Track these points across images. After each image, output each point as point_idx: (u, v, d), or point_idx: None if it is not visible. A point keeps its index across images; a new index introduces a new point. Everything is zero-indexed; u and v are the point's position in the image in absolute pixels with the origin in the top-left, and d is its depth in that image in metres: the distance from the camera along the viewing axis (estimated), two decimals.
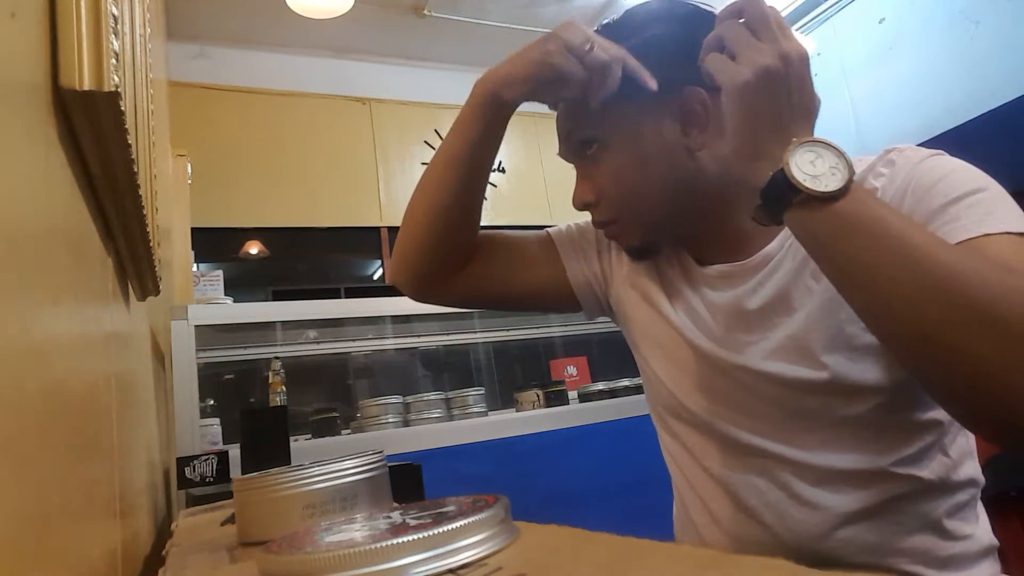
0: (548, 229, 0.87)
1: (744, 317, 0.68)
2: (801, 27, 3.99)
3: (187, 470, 1.35)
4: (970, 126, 3.12)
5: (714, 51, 0.58)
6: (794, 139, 0.52)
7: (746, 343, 0.67)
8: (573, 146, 0.73)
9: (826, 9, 3.90)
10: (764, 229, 0.68)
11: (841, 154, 0.51)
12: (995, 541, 0.67)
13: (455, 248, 0.79)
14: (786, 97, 0.54)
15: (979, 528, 0.66)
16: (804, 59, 0.54)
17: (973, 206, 0.56)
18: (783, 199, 0.52)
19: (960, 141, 3.11)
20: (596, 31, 0.69)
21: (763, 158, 0.54)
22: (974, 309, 0.46)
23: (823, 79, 3.97)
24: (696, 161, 0.67)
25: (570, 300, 0.84)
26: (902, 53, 3.50)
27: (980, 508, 0.68)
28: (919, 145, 0.65)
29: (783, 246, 0.67)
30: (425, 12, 3.85)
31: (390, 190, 4.19)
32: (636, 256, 0.76)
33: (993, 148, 2.96)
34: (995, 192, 0.57)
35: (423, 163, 4.33)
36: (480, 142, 0.74)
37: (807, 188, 0.50)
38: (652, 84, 0.65)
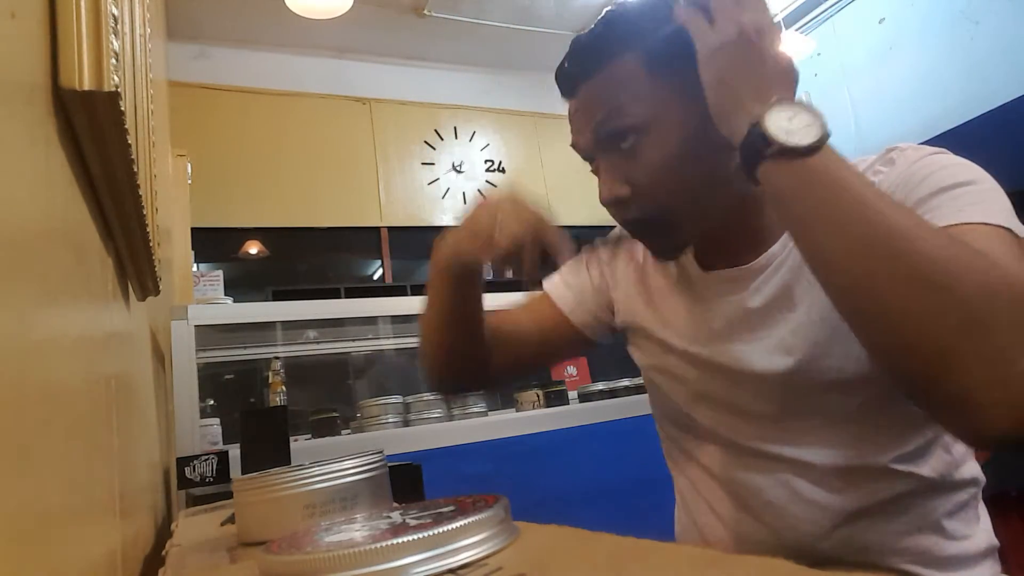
0: (545, 288, 0.88)
1: (746, 317, 0.68)
2: (801, 27, 3.99)
3: (187, 470, 1.35)
4: (970, 126, 3.12)
5: (693, 11, 0.60)
6: (774, 97, 0.54)
7: (748, 342, 0.67)
8: (603, 137, 0.67)
9: (826, 9, 3.90)
10: (771, 230, 0.68)
11: (817, 115, 0.53)
12: (995, 542, 0.67)
13: (471, 358, 0.81)
14: (759, 62, 0.56)
15: (980, 528, 0.66)
16: (774, 31, 0.58)
17: (958, 196, 0.56)
18: (759, 152, 0.53)
19: (960, 141, 3.11)
20: (602, 19, 0.67)
21: (740, 112, 0.56)
22: (914, 266, 0.45)
23: (823, 79, 3.97)
24: (735, 155, 0.66)
25: (585, 342, 0.86)
26: (902, 53, 3.50)
27: (982, 508, 0.68)
28: (920, 145, 0.64)
29: (786, 246, 0.67)
30: (425, 12, 3.85)
31: (390, 190, 4.19)
32: (664, 255, 0.73)
33: (993, 148, 2.96)
34: (986, 186, 0.57)
35: (423, 163, 4.34)
36: (457, 299, 0.74)
37: (779, 140, 0.52)
38: (566, 258, 0.67)
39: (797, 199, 0.52)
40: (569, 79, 0.69)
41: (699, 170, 0.65)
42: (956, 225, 0.53)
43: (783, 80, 0.57)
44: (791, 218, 0.53)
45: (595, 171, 0.70)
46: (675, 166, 0.64)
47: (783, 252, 0.67)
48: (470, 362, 0.80)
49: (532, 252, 0.65)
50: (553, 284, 0.86)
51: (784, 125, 0.52)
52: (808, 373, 0.63)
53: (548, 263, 0.67)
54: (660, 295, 0.77)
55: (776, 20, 3.36)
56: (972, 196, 0.55)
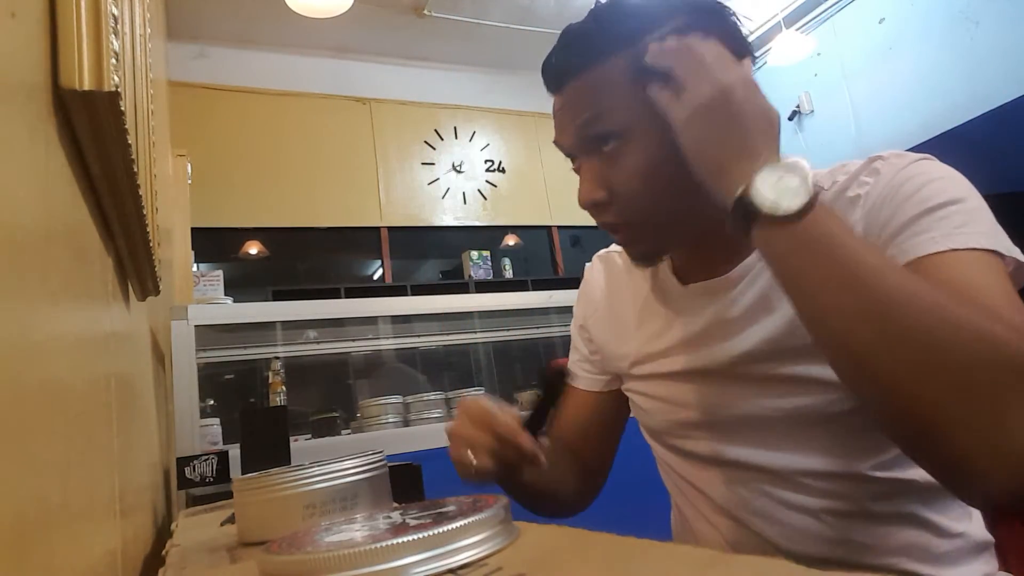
0: (570, 382, 0.88)
1: (725, 325, 0.68)
2: (801, 27, 3.99)
3: (187, 470, 1.35)
4: (970, 126, 3.13)
5: (656, 81, 0.59)
6: (760, 159, 0.53)
7: (724, 348, 0.67)
8: (586, 139, 0.65)
9: (826, 9, 3.90)
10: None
11: (804, 173, 0.51)
12: (990, 537, 0.67)
13: (569, 496, 0.83)
14: (736, 122, 0.55)
15: (972, 525, 0.66)
16: (748, 84, 0.57)
17: (945, 218, 0.55)
18: (748, 219, 0.53)
19: (960, 141, 3.11)
20: (593, 15, 0.66)
21: (726, 177, 0.54)
22: (907, 331, 0.45)
23: (823, 79, 3.97)
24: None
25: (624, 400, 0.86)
26: (902, 53, 3.50)
27: None
28: (920, 145, 0.64)
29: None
30: (425, 12, 3.85)
31: (390, 190, 4.20)
32: (642, 262, 0.72)
33: (993, 148, 2.97)
34: (972, 204, 0.57)
35: (423, 163, 4.34)
36: (516, 487, 0.73)
37: (766, 211, 0.51)
38: (541, 462, 0.65)
39: (789, 263, 0.52)
40: (555, 75, 0.67)
41: (678, 179, 0.63)
42: (944, 252, 0.53)
43: (765, 133, 0.55)
44: (785, 280, 0.53)
45: (576, 170, 0.69)
46: (654, 174, 0.63)
47: (759, 262, 0.67)
48: (574, 497, 0.84)
49: (486, 445, 0.64)
50: (572, 371, 0.88)
51: (771, 193, 0.51)
52: (786, 377, 0.63)
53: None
54: (635, 320, 0.78)
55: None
56: (959, 217, 0.55)
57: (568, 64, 0.66)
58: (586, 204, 0.67)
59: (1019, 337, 0.44)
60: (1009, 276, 0.54)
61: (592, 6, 0.68)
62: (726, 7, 0.67)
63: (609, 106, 0.63)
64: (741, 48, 0.66)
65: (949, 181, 0.59)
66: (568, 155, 0.70)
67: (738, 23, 0.67)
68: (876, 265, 0.48)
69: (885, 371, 0.46)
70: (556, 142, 0.70)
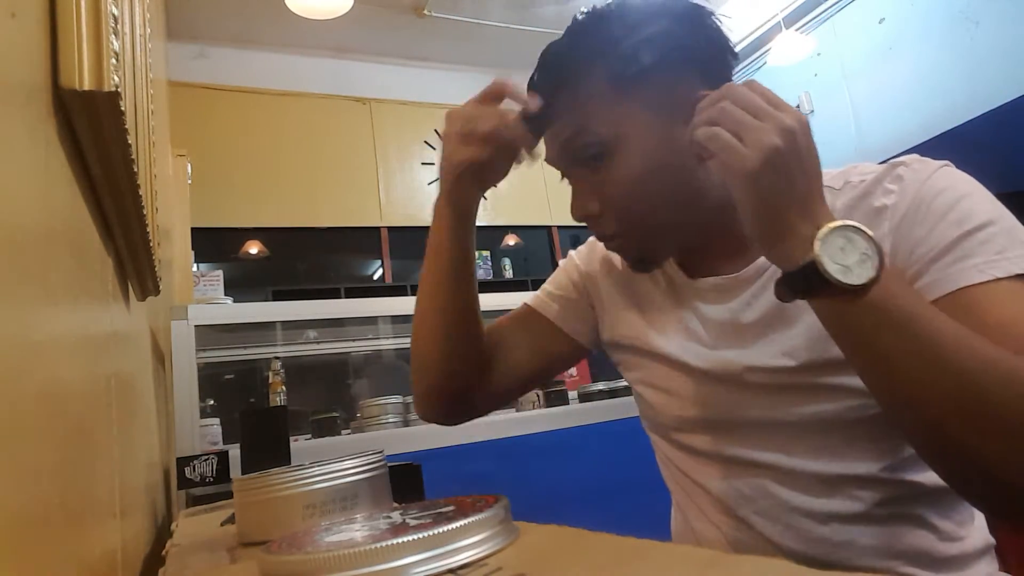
0: (526, 302, 0.86)
1: (739, 330, 0.67)
2: (801, 27, 3.99)
3: (187, 470, 1.35)
4: (970, 126, 3.12)
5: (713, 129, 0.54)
6: (827, 225, 0.49)
7: (740, 354, 0.67)
8: (573, 154, 0.66)
9: (826, 9, 3.90)
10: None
11: (870, 238, 0.49)
12: (992, 540, 0.67)
13: (471, 363, 0.78)
14: (799, 170, 0.51)
15: (975, 528, 0.66)
16: (805, 125, 0.52)
17: (986, 242, 0.56)
18: (813, 289, 0.50)
19: (960, 141, 3.11)
20: (569, 30, 0.67)
21: (790, 238, 0.51)
22: (984, 409, 0.47)
23: (823, 79, 3.97)
24: (707, 170, 0.64)
25: (579, 350, 0.84)
26: (902, 53, 3.50)
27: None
28: (920, 145, 0.64)
29: None
30: (425, 12, 3.85)
31: (390, 190, 4.20)
32: (639, 267, 0.72)
33: (993, 148, 2.97)
34: (1007, 223, 0.57)
35: (423, 163, 4.34)
36: (458, 253, 0.72)
37: (840, 282, 0.48)
38: (534, 104, 0.64)
39: (865, 341, 0.50)
40: (538, 91, 0.67)
41: (669, 185, 0.64)
42: (989, 283, 0.54)
43: (818, 179, 0.53)
44: (860, 357, 0.52)
45: (569, 180, 0.70)
46: (644, 182, 0.63)
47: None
48: (469, 368, 0.77)
49: (515, 130, 0.64)
50: (537, 297, 0.85)
51: (839, 260, 0.48)
52: (802, 386, 0.63)
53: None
54: (647, 303, 0.76)
55: (777, 21, 3.27)
56: (1000, 240, 0.56)
57: (547, 82, 0.66)
58: (579, 218, 0.68)
59: None
60: None
61: (552, 45, 0.68)
62: (705, 10, 0.66)
63: (590, 120, 0.64)
64: (723, 51, 0.66)
65: (979, 196, 0.59)
66: (556, 167, 0.70)
67: (719, 24, 0.66)
68: (953, 336, 0.48)
69: (969, 444, 0.48)
70: (546, 159, 0.71)
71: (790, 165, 0.51)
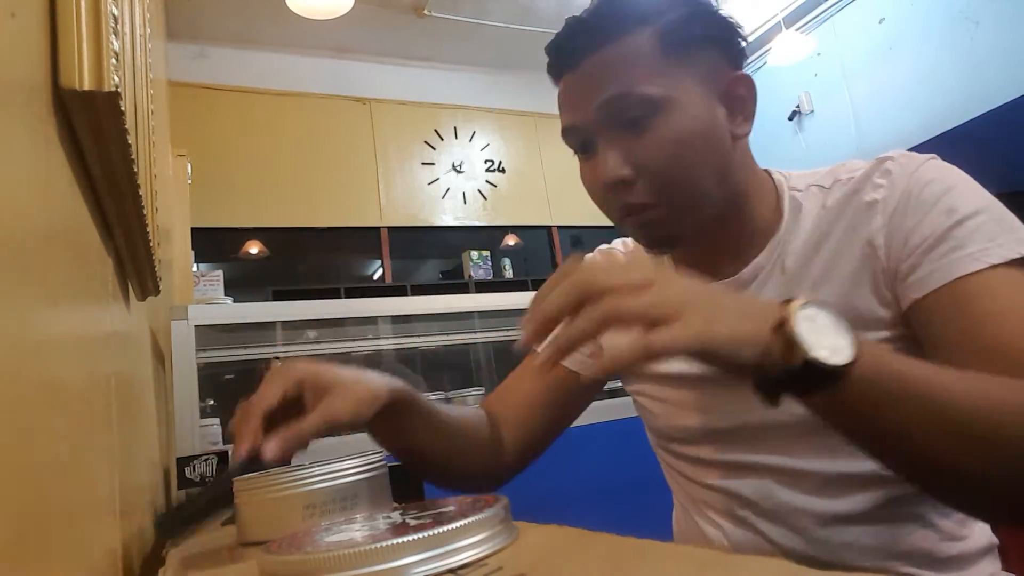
0: (534, 348, 0.80)
1: None
2: (801, 27, 3.99)
3: (187, 470, 1.35)
4: (970, 126, 3.12)
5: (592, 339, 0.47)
6: (793, 306, 0.43)
7: None
8: (609, 113, 0.62)
9: (826, 9, 3.90)
10: (754, 235, 0.68)
11: (828, 308, 0.44)
12: (995, 539, 0.67)
13: (486, 458, 0.75)
14: (713, 295, 0.46)
15: (977, 527, 0.66)
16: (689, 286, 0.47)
17: (977, 230, 0.56)
18: (807, 384, 0.44)
19: (960, 141, 3.11)
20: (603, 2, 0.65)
21: (767, 348, 0.44)
22: (998, 449, 0.45)
23: (823, 79, 3.97)
24: (735, 151, 0.65)
25: (598, 386, 0.84)
26: (902, 53, 3.50)
27: None
28: (920, 145, 0.65)
29: (772, 255, 0.67)
30: (425, 12, 3.85)
31: (390, 190, 4.20)
32: (659, 246, 0.69)
33: (993, 148, 2.97)
34: (995, 211, 0.57)
35: (423, 163, 4.34)
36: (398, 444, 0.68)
37: (835, 366, 0.42)
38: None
39: (865, 420, 0.46)
40: (570, 52, 0.64)
41: (705, 158, 0.63)
42: (985, 270, 0.54)
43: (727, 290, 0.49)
44: (861, 437, 0.48)
45: (585, 157, 0.67)
46: (687, 147, 0.62)
47: (768, 263, 0.67)
48: (477, 462, 0.75)
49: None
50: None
51: (822, 344, 0.43)
52: None
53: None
54: None
55: (777, 20, 3.28)
56: (991, 227, 0.56)
57: (588, 39, 0.63)
58: (610, 182, 0.63)
59: None
60: None
61: (590, 6, 0.67)
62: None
63: (639, 77, 0.61)
64: (742, 53, 0.68)
65: (968, 186, 0.59)
66: (580, 140, 0.67)
67: (738, 26, 0.68)
68: (946, 389, 0.46)
69: (999, 489, 0.46)
70: (568, 126, 0.66)
71: (709, 300, 0.45)
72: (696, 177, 0.63)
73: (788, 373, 0.43)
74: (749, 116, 0.66)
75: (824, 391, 0.44)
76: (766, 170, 0.72)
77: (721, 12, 0.66)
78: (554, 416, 0.80)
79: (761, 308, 0.45)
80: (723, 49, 0.65)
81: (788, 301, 0.44)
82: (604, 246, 0.87)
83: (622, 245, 0.84)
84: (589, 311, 0.46)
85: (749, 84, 0.65)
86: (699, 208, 0.65)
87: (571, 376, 0.81)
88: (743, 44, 0.68)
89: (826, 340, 0.43)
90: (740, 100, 0.65)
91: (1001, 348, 0.52)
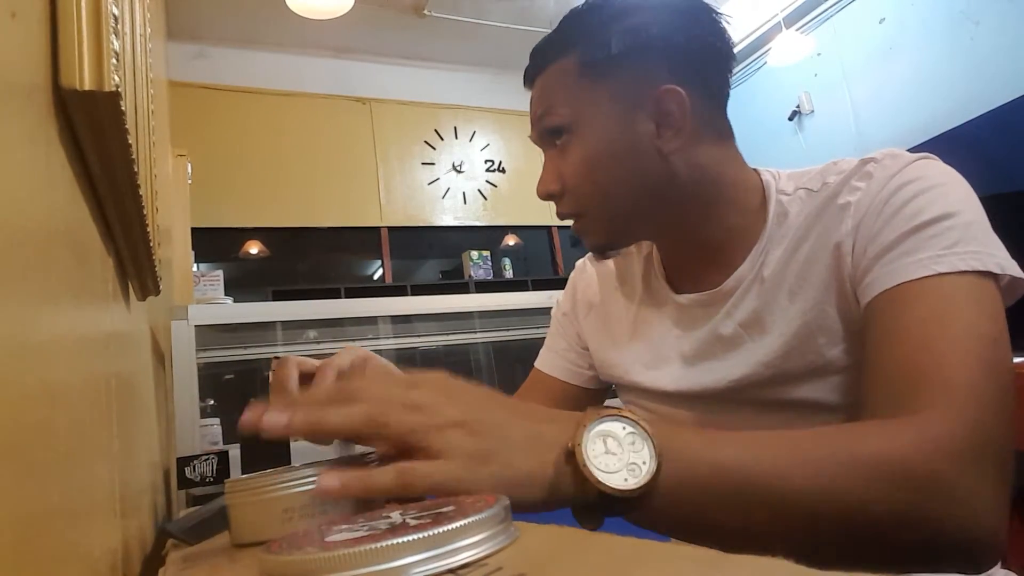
0: (536, 366, 0.88)
1: (717, 342, 0.68)
2: (801, 27, 3.99)
3: (187, 470, 1.35)
4: (970, 126, 3.12)
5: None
6: (581, 432, 0.41)
7: (721, 374, 0.67)
8: (542, 133, 0.70)
9: (826, 9, 3.90)
10: (736, 243, 0.67)
11: (622, 417, 0.42)
12: None
13: None
14: (492, 424, 0.42)
15: None
16: (436, 382, 0.44)
17: (936, 236, 0.53)
18: (614, 510, 0.41)
19: (960, 141, 3.11)
20: (569, 11, 0.68)
21: (534, 485, 0.41)
22: (849, 507, 0.43)
23: (823, 79, 3.97)
24: (668, 164, 0.65)
25: (602, 392, 0.85)
26: (902, 53, 3.50)
27: None
28: (920, 145, 0.64)
29: (755, 265, 0.66)
30: (425, 12, 3.85)
31: (390, 190, 4.20)
32: (597, 253, 0.72)
33: (993, 148, 2.97)
34: (967, 217, 0.54)
35: (423, 163, 4.34)
36: None
37: (631, 491, 0.40)
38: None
39: (698, 526, 0.43)
40: (527, 74, 0.72)
41: (620, 174, 0.66)
42: (929, 278, 0.52)
43: (516, 411, 0.44)
44: (708, 541, 0.43)
45: None
46: (595, 168, 0.66)
47: (751, 272, 0.66)
48: None
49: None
50: (542, 358, 0.87)
51: (607, 465, 0.40)
52: (785, 403, 0.63)
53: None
54: (626, 336, 0.78)
55: (777, 20, 3.28)
56: (953, 234, 0.53)
57: (531, 65, 0.71)
58: (541, 194, 0.71)
59: (925, 446, 0.43)
60: (1000, 292, 0.53)
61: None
62: (704, 8, 0.66)
63: (555, 101, 0.67)
64: (709, 50, 0.66)
65: (945, 189, 0.56)
66: (539, 148, 0.73)
67: (718, 24, 0.67)
68: (771, 471, 0.43)
69: (893, 554, 0.44)
70: (529, 136, 0.74)
71: (487, 431, 0.41)
72: (612, 192, 0.66)
73: (587, 505, 0.40)
74: (681, 129, 0.64)
75: (634, 511, 0.41)
76: (756, 170, 0.71)
77: (678, 23, 0.64)
78: None
79: (549, 436, 0.42)
80: (658, 63, 0.64)
81: (580, 422, 0.41)
82: (580, 262, 0.89)
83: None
84: (350, 409, 0.42)
85: (679, 98, 0.63)
86: (620, 219, 0.68)
87: (575, 388, 0.83)
88: (706, 51, 0.66)
89: (620, 462, 0.40)
90: (667, 115, 0.64)
91: (895, 364, 0.50)
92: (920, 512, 0.43)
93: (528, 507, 0.41)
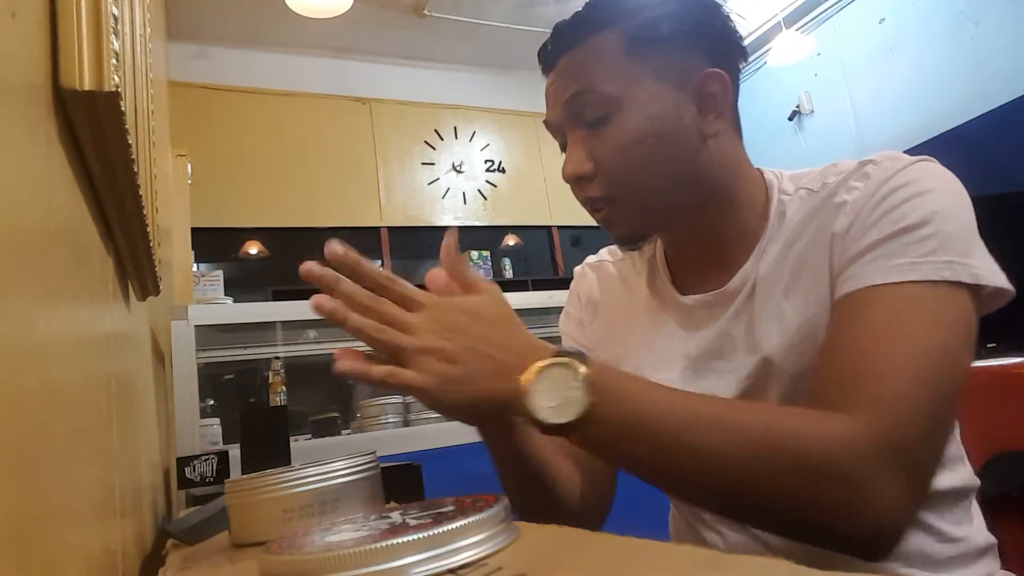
0: None
1: (724, 343, 0.67)
2: (801, 27, 3.99)
3: (187, 470, 1.35)
4: (970, 126, 3.12)
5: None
6: (535, 366, 0.49)
7: (723, 369, 0.67)
8: (574, 111, 0.65)
9: (826, 9, 3.90)
10: (742, 242, 0.67)
11: (569, 356, 0.50)
12: (992, 539, 0.66)
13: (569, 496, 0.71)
14: (473, 348, 0.50)
15: (973, 529, 0.65)
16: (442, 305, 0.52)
17: (915, 243, 0.54)
18: (549, 431, 0.50)
19: (960, 141, 3.11)
20: (586, 4, 0.67)
21: (494, 401, 0.50)
22: (782, 458, 0.49)
23: (823, 79, 3.97)
24: (706, 148, 0.65)
25: None
26: (902, 53, 3.50)
27: (975, 508, 0.68)
28: (920, 145, 0.64)
29: (756, 264, 0.66)
30: (425, 12, 3.85)
31: (390, 190, 4.19)
32: (624, 243, 0.71)
33: (993, 148, 2.97)
34: (950, 226, 0.55)
35: (423, 163, 4.34)
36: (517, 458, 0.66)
37: (559, 424, 0.49)
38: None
39: (612, 454, 0.53)
40: (551, 53, 0.68)
41: (665, 155, 0.64)
42: (890, 285, 0.54)
43: (496, 329, 0.52)
44: (637, 471, 0.53)
45: (563, 152, 0.69)
46: (641, 146, 0.63)
47: (753, 272, 0.66)
48: (580, 497, 0.72)
49: None
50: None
51: (546, 403, 0.49)
52: (784, 395, 0.63)
53: None
54: (630, 334, 0.76)
55: (777, 20, 3.27)
56: (932, 242, 0.54)
57: (562, 40, 0.67)
58: (571, 177, 0.66)
59: (835, 440, 0.48)
60: (974, 302, 0.54)
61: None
62: (719, 3, 0.67)
63: (599, 76, 0.64)
64: (734, 41, 0.67)
65: (935, 195, 0.56)
66: (556, 132, 0.70)
67: (729, 23, 0.68)
68: (676, 425, 0.50)
69: (783, 516, 0.51)
70: (546, 120, 0.70)
71: (465, 350, 0.50)
72: (653, 174, 0.64)
73: (532, 423, 0.49)
74: (723, 113, 0.65)
75: (568, 437, 0.50)
76: (759, 170, 0.71)
77: (712, 7, 0.66)
78: None
79: (511, 367, 0.50)
80: (700, 46, 0.65)
81: (540, 356, 0.50)
82: (593, 259, 0.86)
83: (608, 253, 0.85)
84: (363, 319, 0.50)
85: (723, 81, 0.64)
86: (657, 205, 0.66)
87: None
88: (734, 39, 0.67)
89: (556, 397, 0.49)
90: (711, 97, 0.64)
91: (840, 363, 0.53)
92: (812, 495, 0.48)
93: (485, 423, 0.56)
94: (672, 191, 0.65)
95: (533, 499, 0.68)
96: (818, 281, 0.61)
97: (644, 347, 0.75)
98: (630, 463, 0.52)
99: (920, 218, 0.55)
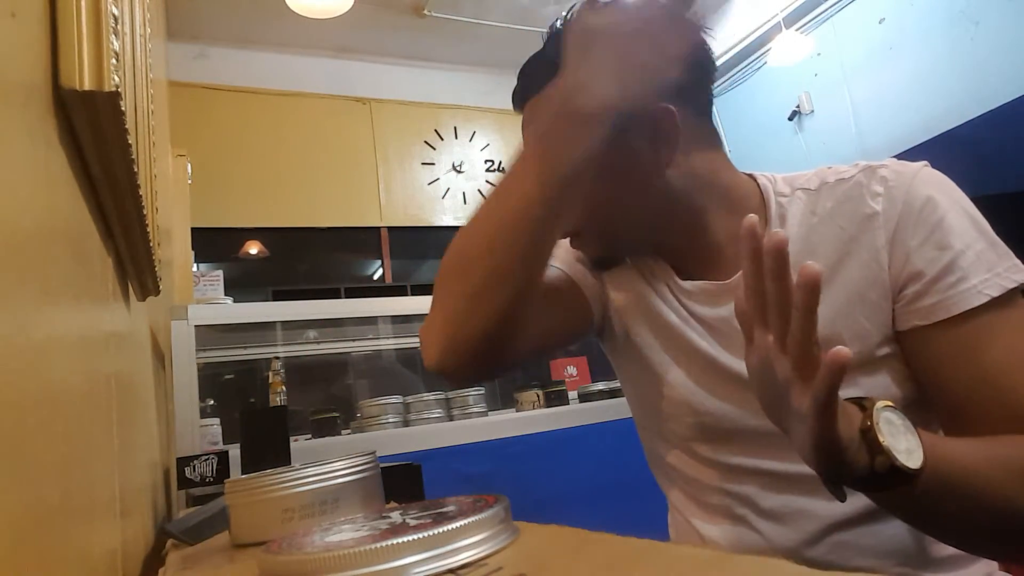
0: (555, 264, 0.77)
1: (730, 333, 0.67)
2: (801, 27, 3.99)
3: (187, 470, 1.35)
4: (970, 126, 3.12)
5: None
6: (875, 412, 0.47)
7: (732, 366, 0.67)
8: None
9: (826, 9, 3.90)
10: (737, 244, 0.67)
11: (894, 409, 0.49)
12: None
13: (517, 317, 0.64)
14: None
15: None
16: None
17: (977, 260, 0.58)
18: (883, 484, 0.48)
19: (960, 141, 3.11)
20: (549, 37, 0.69)
21: (846, 454, 0.47)
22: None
23: (823, 79, 3.97)
24: (662, 176, 0.66)
25: (589, 326, 0.79)
26: (902, 53, 3.50)
27: None
28: (920, 145, 0.66)
29: None
30: (425, 12, 3.85)
31: (390, 190, 4.19)
32: (598, 266, 0.76)
33: (993, 148, 2.96)
34: (989, 234, 0.60)
35: (423, 163, 4.33)
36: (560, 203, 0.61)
37: (913, 469, 0.46)
38: None
39: (923, 510, 0.51)
40: (517, 95, 0.73)
41: (619, 193, 0.67)
42: (990, 305, 0.57)
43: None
44: (921, 523, 0.55)
45: None
46: (602, 190, 0.66)
47: None
48: (512, 326, 0.64)
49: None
50: (557, 258, 0.78)
51: (898, 447, 0.47)
52: None
53: None
54: (644, 309, 0.75)
55: (772, 26, 3.25)
56: (989, 256, 0.58)
57: (524, 85, 0.72)
58: None
59: None
60: None
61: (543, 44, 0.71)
62: (692, 25, 0.66)
63: None
64: (702, 71, 0.68)
65: (960, 207, 0.61)
66: None
67: (698, 33, 0.67)
68: (990, 482, 0.51)
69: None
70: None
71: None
72: (614, 214, 0.69)
73: (873, 475, 0.47)
74: (674, 145, 0.65)
75: (897, 489, 0.47)
76: (750, 175, 0.72)
77: (668, 45, 0.61)
78: (553, 325, 0.74)
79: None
80: (663, 88, 0.63)
81: (865, 406, 0.48)
82: None
83: None
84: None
85: (671, 116, 0.64)
86: (622, 235, 0.71)
87: (585, 302, 0.77)
88: (703, 75, 0.68)
89: (902, 443, 0.47)
90: (665, 132, 0.65)
91: (1012, 403, 0.56)
92: None
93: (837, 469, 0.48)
94: (635, 222, 0.69)
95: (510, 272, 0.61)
96: (854, 289, 0.63)
97: (658, 341, 0.74)
98: (942, 515, 0.51)
99: (970, 235, 0.60)
